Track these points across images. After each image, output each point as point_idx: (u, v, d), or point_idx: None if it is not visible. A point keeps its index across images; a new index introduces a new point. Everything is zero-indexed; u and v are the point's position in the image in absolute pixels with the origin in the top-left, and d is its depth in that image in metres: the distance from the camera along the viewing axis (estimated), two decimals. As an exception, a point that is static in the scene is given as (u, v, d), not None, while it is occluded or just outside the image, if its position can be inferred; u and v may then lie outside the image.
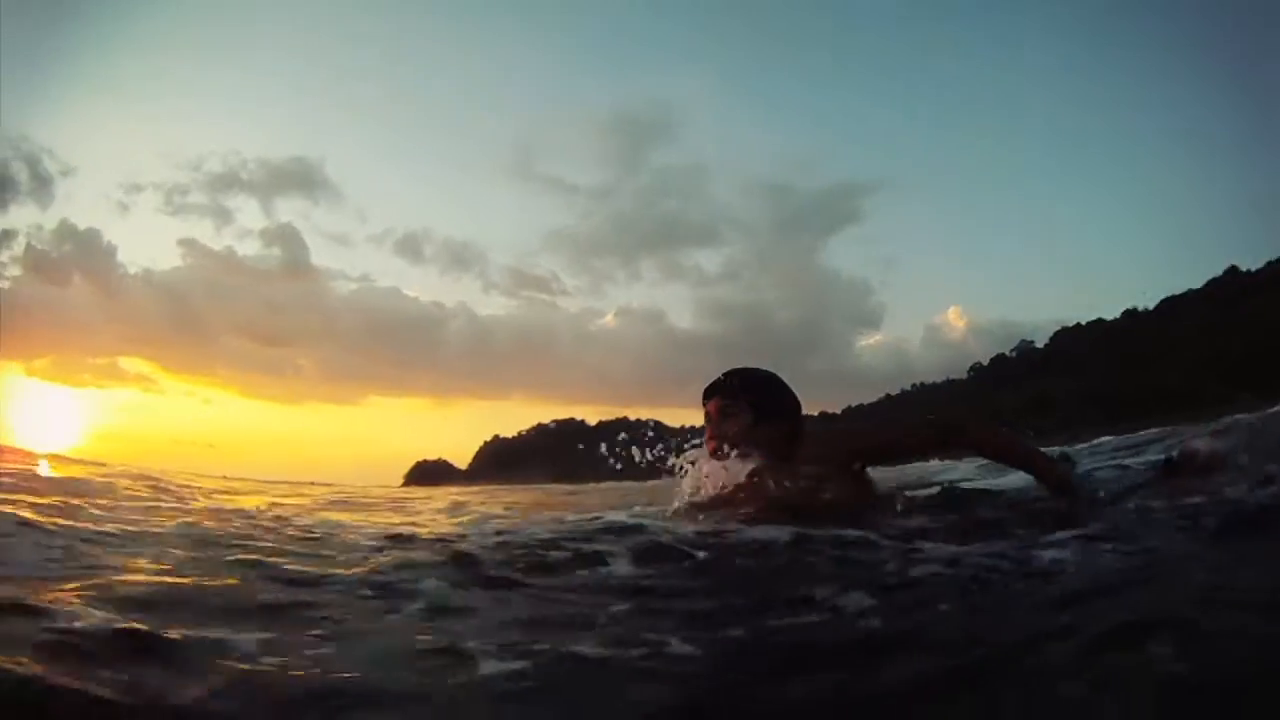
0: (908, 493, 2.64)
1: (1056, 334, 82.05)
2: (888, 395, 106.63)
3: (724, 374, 2.60)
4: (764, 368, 2.63)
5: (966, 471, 4.82)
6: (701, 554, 1.90)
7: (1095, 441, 9.97)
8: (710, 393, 2.57)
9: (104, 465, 6.82)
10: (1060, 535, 1.85)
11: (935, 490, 2.85)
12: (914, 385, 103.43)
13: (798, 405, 2.57)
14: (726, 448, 2.47)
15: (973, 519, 2.27)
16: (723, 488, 2.51)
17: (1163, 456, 3.16)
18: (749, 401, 2.50)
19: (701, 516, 2.36)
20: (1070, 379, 65.85)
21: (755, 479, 2.46)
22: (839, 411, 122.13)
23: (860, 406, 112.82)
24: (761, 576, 1.83)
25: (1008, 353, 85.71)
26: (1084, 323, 79.90)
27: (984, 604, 1.44)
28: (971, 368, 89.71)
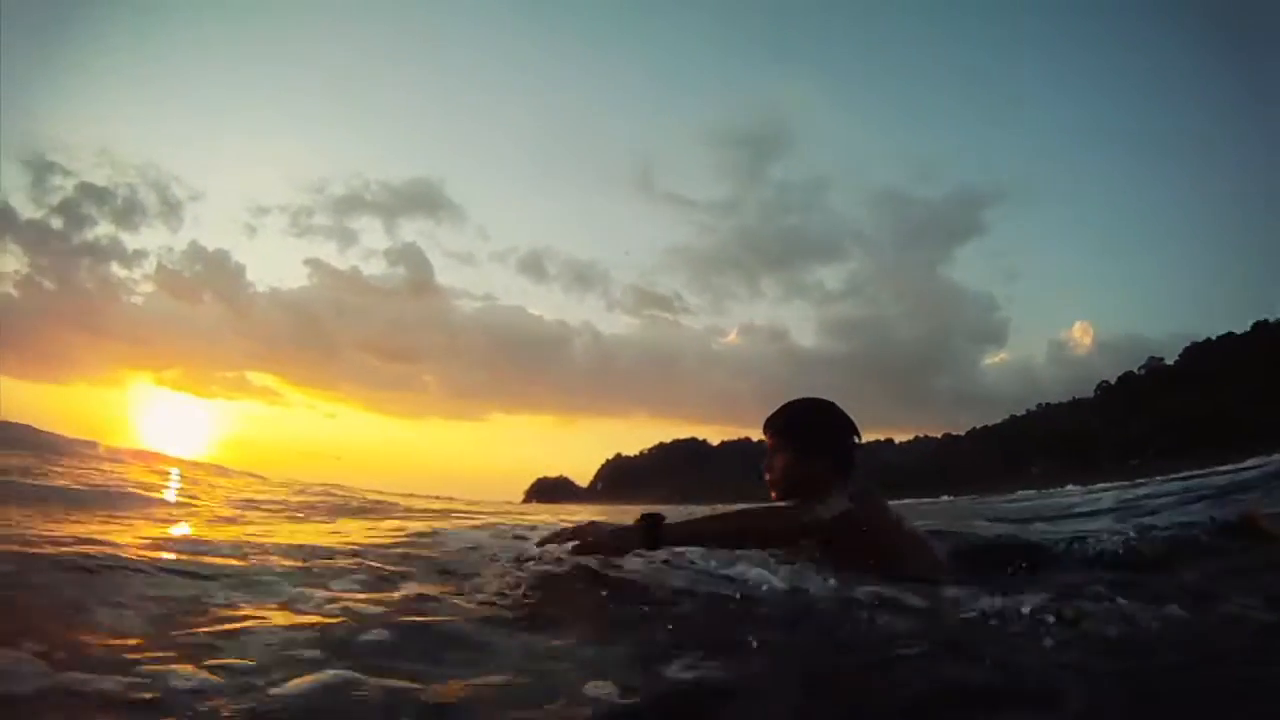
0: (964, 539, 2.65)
1: (1186, 350, 78.79)
2: (1012, 416, 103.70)
3: (780, 406, 2.46)
4: (822, 397, 2.47)
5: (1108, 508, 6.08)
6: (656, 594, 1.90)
7: (1232, 467, 10.07)
8: (764, 428, 2.45)
9: (263, 477, 7.12)
10: (1048, 601, 1.65)
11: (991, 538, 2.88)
12: (1039, 405, 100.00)
13: (843, 438, 2.35)
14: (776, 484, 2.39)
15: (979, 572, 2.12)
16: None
17: (1224, 519, 3.01)
18: (789, 438, 2.37)
19: (713, 560, 2.34)
20: (1201, 398, 63.87)
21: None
22: (963, 434, 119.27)
23: (985, 428, 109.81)
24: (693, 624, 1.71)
25: (1136, 370, 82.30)
26: (1214, 337, 76.68)
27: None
28: (1099, 386, 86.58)
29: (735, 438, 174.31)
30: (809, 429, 2.38)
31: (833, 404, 2.43)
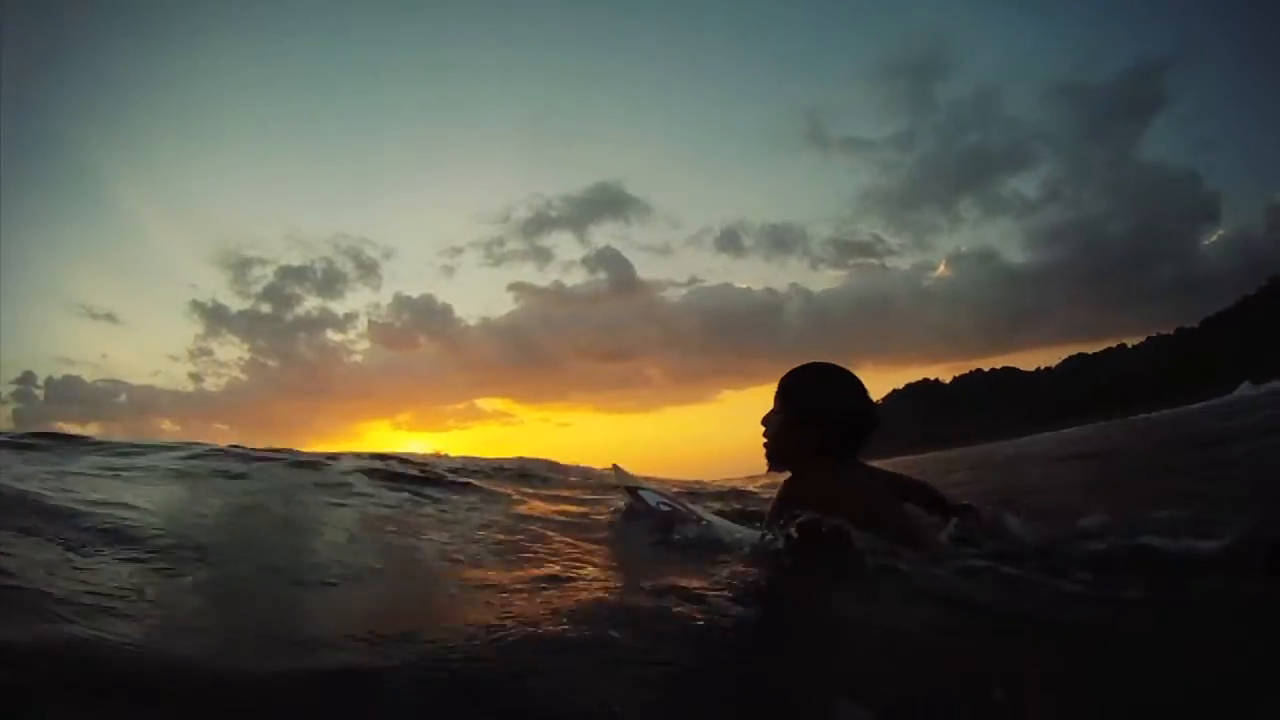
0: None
1: None
2: (1244, 297, 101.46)
3: (795, 367, 2.29)
4: (834, 363, 2.27)
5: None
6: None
7: None
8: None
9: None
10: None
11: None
12: (1270, 279, 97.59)
13: (842, 409, 2.14)
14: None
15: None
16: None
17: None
18: (786, 402, 2.22)
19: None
20: None
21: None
22: (1197, 325, 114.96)
23: (1219, 315, 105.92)
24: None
25: (1363, 218, 79.09)
26: None
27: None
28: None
29: (966, 370, 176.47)
30: (806, 395, 2.19)
31: (843, 373, 2.22)
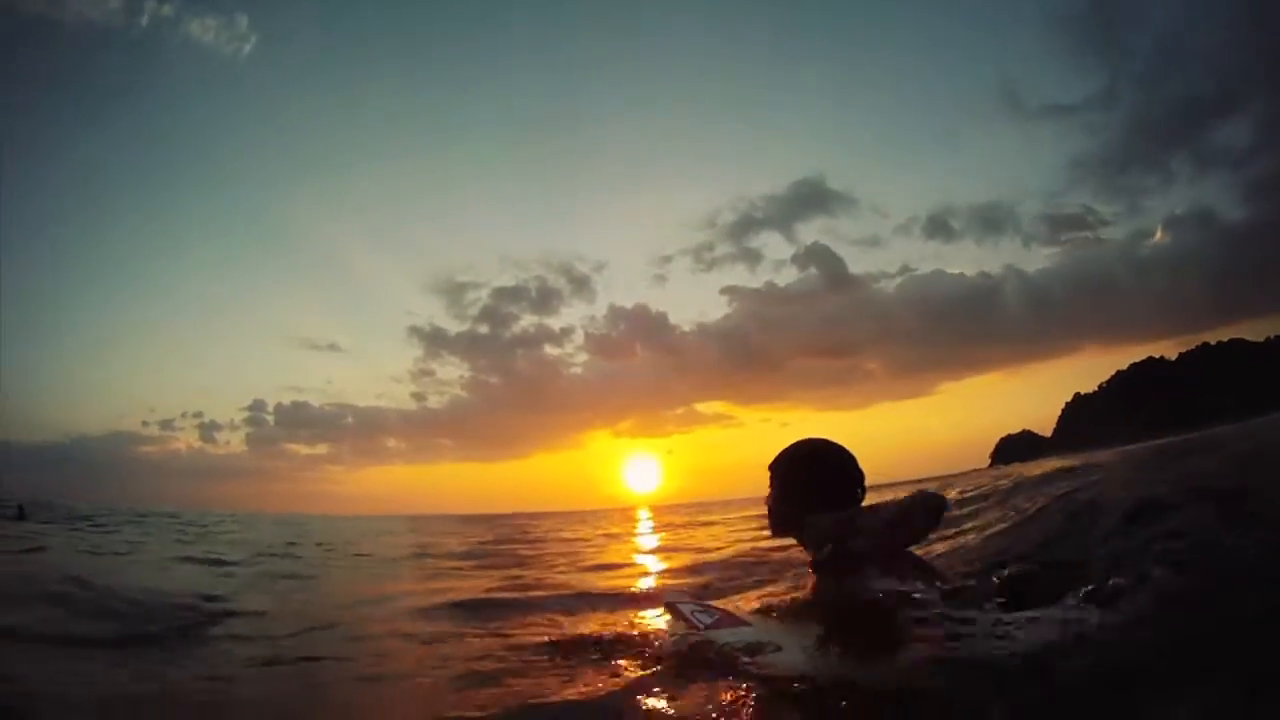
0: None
1: None
2: None
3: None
4: (829, 439, 2.49)
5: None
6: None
7: None
8: None
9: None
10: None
11: None
12: None
13: (826, 478, 2.40)
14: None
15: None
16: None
17: None
18: (774, 476, 2.51)
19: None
20: None
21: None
22: None
23: None
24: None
25: None
26: None
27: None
28: None
29: (1192, 346, 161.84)
30: (791, 469, 2.46)
31: (824, 446, 2.46)
